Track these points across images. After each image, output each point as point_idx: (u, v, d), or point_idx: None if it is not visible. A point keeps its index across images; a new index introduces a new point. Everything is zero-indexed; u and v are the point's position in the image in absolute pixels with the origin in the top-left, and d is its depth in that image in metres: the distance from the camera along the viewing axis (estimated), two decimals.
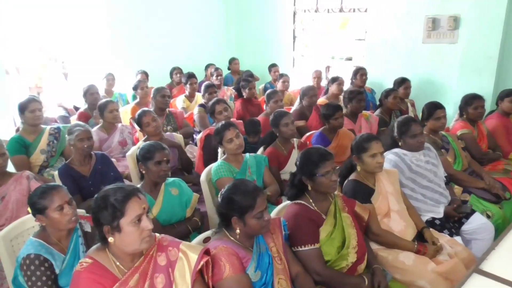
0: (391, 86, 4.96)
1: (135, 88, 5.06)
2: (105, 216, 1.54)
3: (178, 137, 3.81)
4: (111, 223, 1.54)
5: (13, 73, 5.67)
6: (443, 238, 2.50)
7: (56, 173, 2.97)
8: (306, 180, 2.15)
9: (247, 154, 3.05)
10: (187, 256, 1.67)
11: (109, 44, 6.25)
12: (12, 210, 2.60)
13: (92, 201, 1.62)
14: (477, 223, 2.74)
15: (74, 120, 4.65)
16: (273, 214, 2.31)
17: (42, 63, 6.37)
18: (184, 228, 2.53)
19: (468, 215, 2.78)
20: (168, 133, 3.85)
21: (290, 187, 2.25)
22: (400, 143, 2.87)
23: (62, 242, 1.97)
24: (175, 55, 6.83)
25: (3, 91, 4.61)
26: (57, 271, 1.89)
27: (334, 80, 5.11)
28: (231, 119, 3.89)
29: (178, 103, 5.29)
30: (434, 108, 3.28)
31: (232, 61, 7.10)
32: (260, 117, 4.22)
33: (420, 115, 3.78)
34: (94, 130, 3.73)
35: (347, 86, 5.28)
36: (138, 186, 2.32)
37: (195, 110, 4.56)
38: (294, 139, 3.39)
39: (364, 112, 4.22)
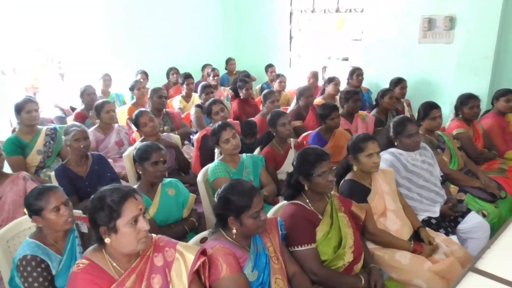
0: (387, 86, 4.98)
1: (131, 89, 5.04)
2: (102, 217, 1.54)
3: (175, 137, 3.80)
4: (107, 224, 1.54)
5: (9, 74, 5.64)
6: (439, 237, 2.51)
7: (52, 173, 2.97)
8: (303, 180, 2.15)
9: (244, 155, 3.05)
10: (184, 256, 1.67)
11: (109, 44, 6.23)
12: (9, 211, 2.59)
13: (89, 202, 1.62)
14: (473, 222, 2.75)
15: (70, 120, 4.65)
16: (269, 214, 2.31)
17: (40, 64, 6.35)
18: (181, 228, 2.53)
19: (464, 214, 2.79)
20: (165, 133, 3.84)
21: (286, 187, 2.26)
22: (396, 143, 2.88)
23: (58, 243, 1.96)
24: (174, 55, 6.82)
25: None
26: (53, 272, 1.89)
27: (331, 80, 5.12)
28: (228, 120, 3.88)
29: (175, 103, 5.27)
30: (430, 108, 3.30)
31: (229, 61, 7.10)
32: (256, 118, 4.22)
33: (416, 115, 3.80)
34: (90, 130, 3.73)
35: (343, 86, 5.29)
36: (135, 186, 2.32)
37: (192, 111, 4.56)
38: (291, 139, 3.40)
39: (360, 112, 4.24)
